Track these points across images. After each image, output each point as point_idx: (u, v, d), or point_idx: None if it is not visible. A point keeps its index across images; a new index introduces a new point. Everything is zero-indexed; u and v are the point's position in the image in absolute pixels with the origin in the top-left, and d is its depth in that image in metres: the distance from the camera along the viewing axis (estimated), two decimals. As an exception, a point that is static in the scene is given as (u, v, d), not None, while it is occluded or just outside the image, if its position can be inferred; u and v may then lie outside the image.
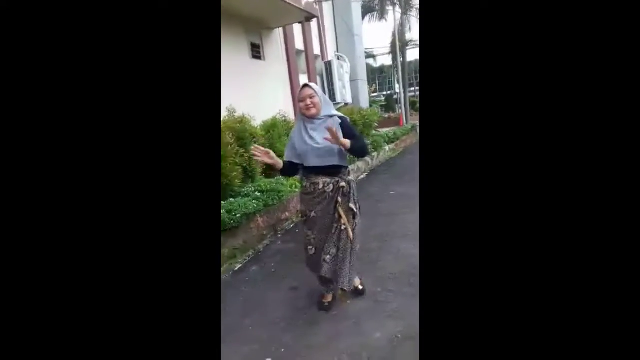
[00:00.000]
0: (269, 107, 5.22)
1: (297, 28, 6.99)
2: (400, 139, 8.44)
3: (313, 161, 1.78)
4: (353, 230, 1.86)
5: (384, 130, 8.15)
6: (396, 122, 11.25)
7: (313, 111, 1.78)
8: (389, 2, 12.48)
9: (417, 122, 11.58)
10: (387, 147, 7.31)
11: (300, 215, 2.01)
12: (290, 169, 1.87)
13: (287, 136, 4.60)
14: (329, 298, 2.05)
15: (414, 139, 9.68)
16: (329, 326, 1.90)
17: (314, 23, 7.44)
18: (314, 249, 1.90)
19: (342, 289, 1.95)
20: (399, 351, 1.64)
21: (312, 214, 1.85)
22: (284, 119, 4.87)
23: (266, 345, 1.80)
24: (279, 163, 1.81)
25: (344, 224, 1.82)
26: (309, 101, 1.77)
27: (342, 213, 1.82)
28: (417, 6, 12.89)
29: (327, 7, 8.74)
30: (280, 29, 6.52)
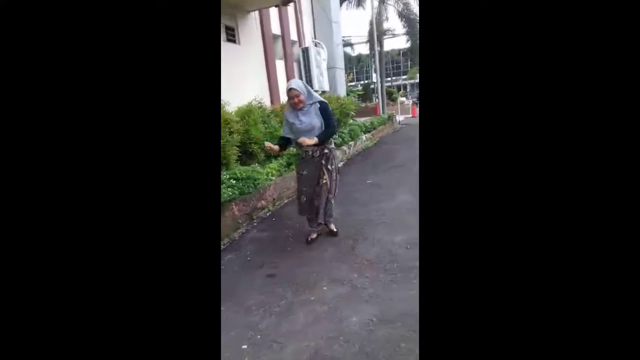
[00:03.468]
0: (244, 92, 5.08)
1: (273, 12, 6.81)
2: (376, 129, 8.50)
3: (304, 136, 2.50)
4: (333, 182, 2.67)
5: (361, 120, 8.18)
6: (373, 111, 11.32)
7: (300, 105, 2.51)
8: (366, -10, 12.39)
9: (393, 112, 11.69)
10: (363, 137, 7.34)
11: (296, 174, 2.79)
12: (285, 142, 2.67)
13: (263, 123, 4.54)
14: (314, 236, 2.80)
15: (389, 128, 9.78)
16: (306, 312, 1.90)
17: (290, 8, 7.27)
18: (305, 197, 2.67)
19: (330, 230, 2.84)
20: (374, 335, 1.67)
21: (304, 172, 2.64)
22: (259, 105, 4.76)
23: (242, 332, 1.78)
24: (277, 147, 2.62)
25: (325, 180, 2.63)
26: (296, 99, 2.48)
27: (324, 172, 2.61)
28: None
29: (304, -8, 8.55)
30: (256, 13, 6.32)
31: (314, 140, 2.46)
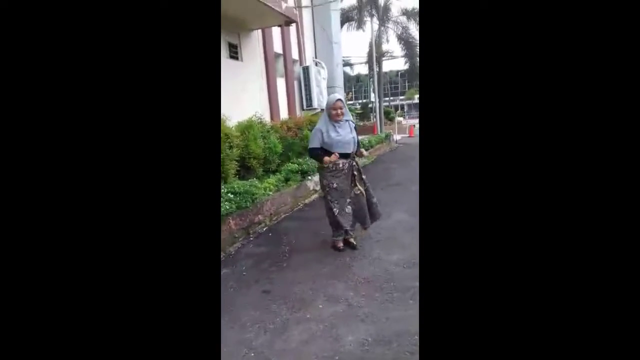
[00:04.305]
0: (245, 108, 5.16)
1: (275, 31, 6.98)
2: (374, 147, 8.59)
3: (339, 148, 2.70)
4: (367, 190, 2.86)
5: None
6: (370, 130, 11.46)
7: (341, 117, 2.74)
8: (367, 13, 12.76)
9: (390, 131, 11.84)
10: (361, 154, 7.40)
11: (322, 188, 2.89)
12: (317, 153, 2.77)
13: (263, 138, 4.59)
14: (341, 243, 2.88)
15: (387, 147, 9.88)
16: (301, 330, 1.88)
17: (292, 28, 7.46)
18: (337, 209, 2.77)
19: (364, 227, 2.93)
20: (369, 355, 1.65)
21: (334, 184, 2.75)
22: (259, 120, 4.82)
23: (236, 349, 1.75)
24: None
25: (359, 190, 2.81)
26: (339, 111, 2.72)
27: (357, 183, 2.80)
28: (394, 19, 13.27)
29: (306, 14, 8.80)
30: (259, 31, 6.49)
31: (364, 152, 2.94)
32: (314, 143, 2.76)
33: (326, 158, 2.68)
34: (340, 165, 2.74)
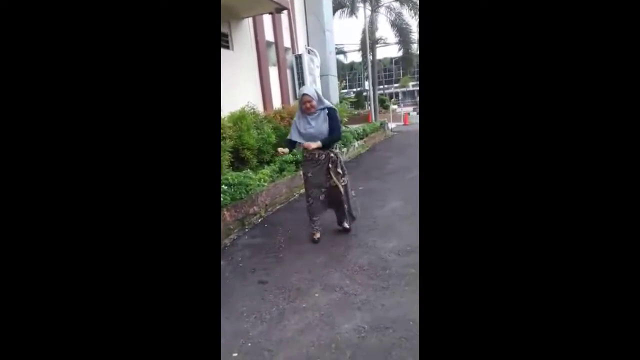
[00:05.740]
0: (237, 98, 5.08)
1: (267, 19, 6.86)
2: (369, 136, 8.57)
3: (310, 140, 2.65)
4: (344, 186, 2.78)
5: (353, 127, 8.23)
6: (365, 119, 11.41)
7: (312, 110, 2.67)
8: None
9: (385, 120, 11.80)
10: (356, 143, 7.39)
11: (302, 176, 2.93)
12: (292, 144, 2.79)
13: (256, 129, 4.55)
14: (318, 235, 2.88)
15: (382, 136, 9.86)
16: (297, 319, 1.89)
17: (284, 15, 7.33)
18: (311, 199, 2.83)
19: (343, 228, 2.95)
20: (366, 342, 1.66)
21: (309, 174, 2.78)
22: (252, 111, 4.76)
23: (233, 340, 1.76)
24: (287, 150, 2.77)
25: (334, 182, 2.75)
26: (308, 105, 2.65)
27: (332, 175, 2.74)
28: (386, 4, 13.10)
29: (298, 1, 8.64)
30: (250, 19, 6.36)
31: (317, 144, 2.61)
32: (290, 134, 2.78)
33: (279, 149, 2.80)
34: (317, 156, 2.72)
